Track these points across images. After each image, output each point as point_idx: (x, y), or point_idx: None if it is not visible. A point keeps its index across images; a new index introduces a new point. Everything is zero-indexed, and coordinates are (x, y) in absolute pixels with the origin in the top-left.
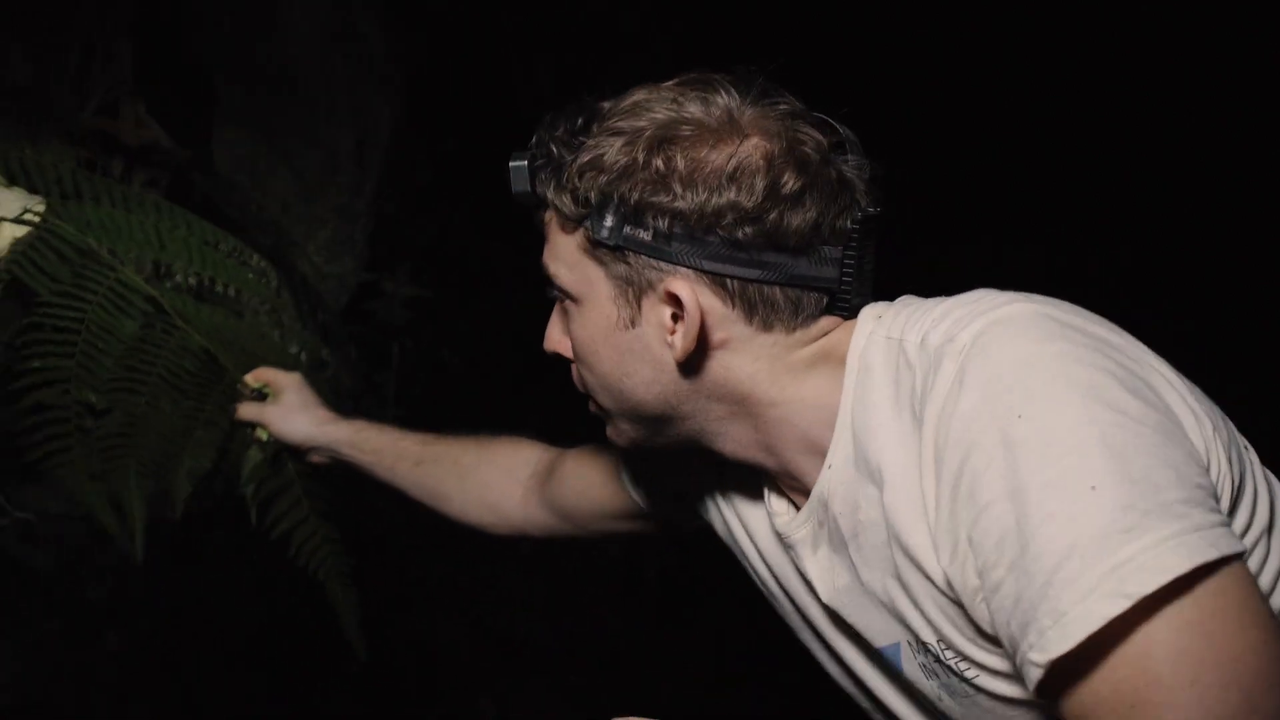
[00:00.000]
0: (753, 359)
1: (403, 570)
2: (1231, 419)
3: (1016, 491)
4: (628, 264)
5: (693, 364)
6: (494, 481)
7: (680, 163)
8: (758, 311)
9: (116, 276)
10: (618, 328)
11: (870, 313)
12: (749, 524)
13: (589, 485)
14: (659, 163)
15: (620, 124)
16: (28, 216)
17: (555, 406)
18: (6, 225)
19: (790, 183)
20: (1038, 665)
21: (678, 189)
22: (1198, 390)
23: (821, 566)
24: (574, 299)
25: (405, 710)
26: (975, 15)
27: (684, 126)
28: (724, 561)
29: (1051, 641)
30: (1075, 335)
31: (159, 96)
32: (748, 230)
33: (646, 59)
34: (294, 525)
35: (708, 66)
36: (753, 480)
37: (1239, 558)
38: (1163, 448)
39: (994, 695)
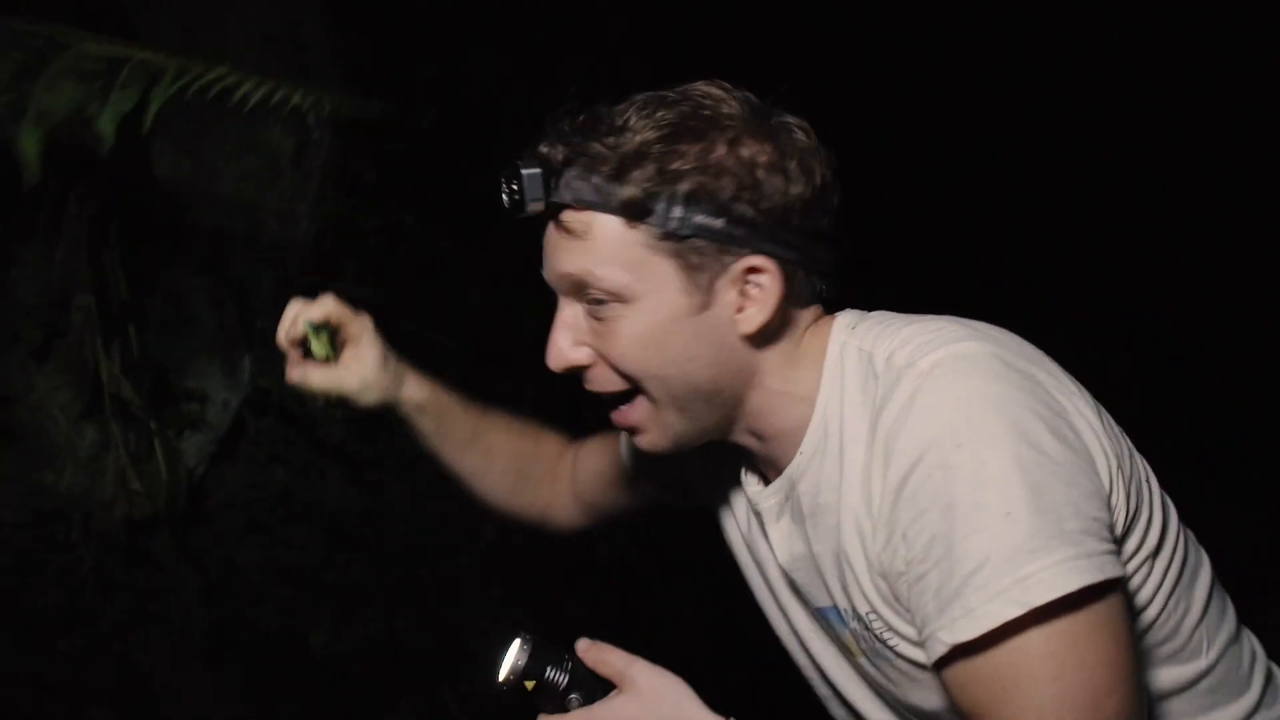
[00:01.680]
0: (783, 341)
1: (363, 566)
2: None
3: (949, 507)
4: (699, 252)
5: (756, 337)
6: (544, 479)
7: (758, 154)
8: (793, 293)
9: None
10: (688, 315)
11: (845, 320)
12: (730, 498)
13: (607, 480)
14: (742, 153)
15: (675, 117)
16: None
17: (515, 400)
18: None
19: (827, 176)
20: (944, 644)
21: (761, 177)
22: (1111, 426)
23: (782, 534)
24: (626, 298)
25: (367, 705)
26: (951, 14)
27: (739, 120)
28: (680, 550)
29: (960, 629)
30: (1017, 378)
31: None
32: (808, 218)
33: (595, 58)
34: None
35: (671, 64)
36: (731, 460)
37: (1119, 582)
38: (1071, 485)
39: (907, 659)
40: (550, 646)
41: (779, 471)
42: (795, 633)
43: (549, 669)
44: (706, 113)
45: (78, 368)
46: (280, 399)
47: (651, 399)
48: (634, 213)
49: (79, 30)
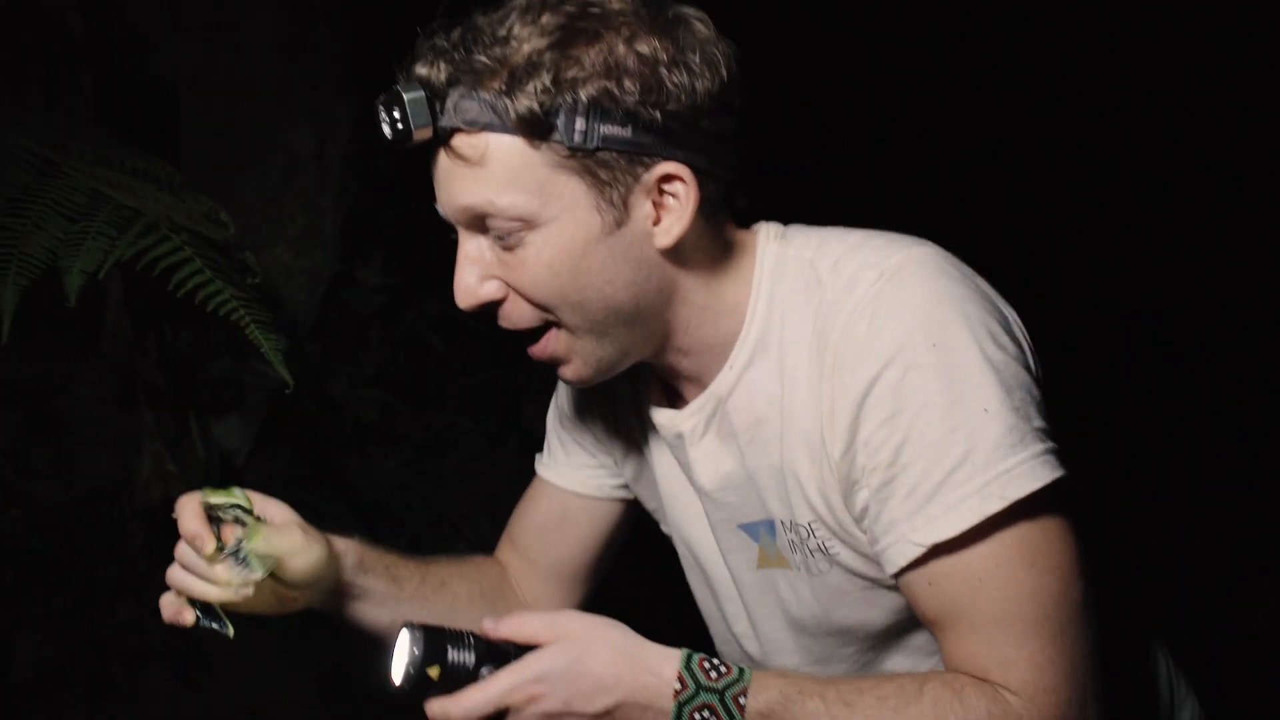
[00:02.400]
0: (703, 252)
1: (401, 541)
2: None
3: (925, 406)
4: (608, 166)
5: (674, 250)
6: (507, 587)
7: (659, 51)
8: (708, 200)
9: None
10: (603, 234)
11: (768, 230)
12: (637, 436)
13: (555, 522)
14: (641, 50)
15: (563, 20)
16: None
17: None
18: None
19: (733, 69)
20: (918, 545)
21: (665, 75)
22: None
23: (705, 453)
24: (534, 224)
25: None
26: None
27: (632, 15)
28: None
29: (940, 528)
30: (971, 283)
31: (125, 115)
32: (717, 118)
33: None
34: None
35: None
36: (630, 397)
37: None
38: (1031, 385)
39: (846, 568)
40: (445, 630)
41: (700, 387)
42: (697, 560)
43: (450, 650)
44: (595, 10)
45: (115, 358)
46: (315, 384)
47: (569, 328)
48: (533, 129)
49: (74, 143)
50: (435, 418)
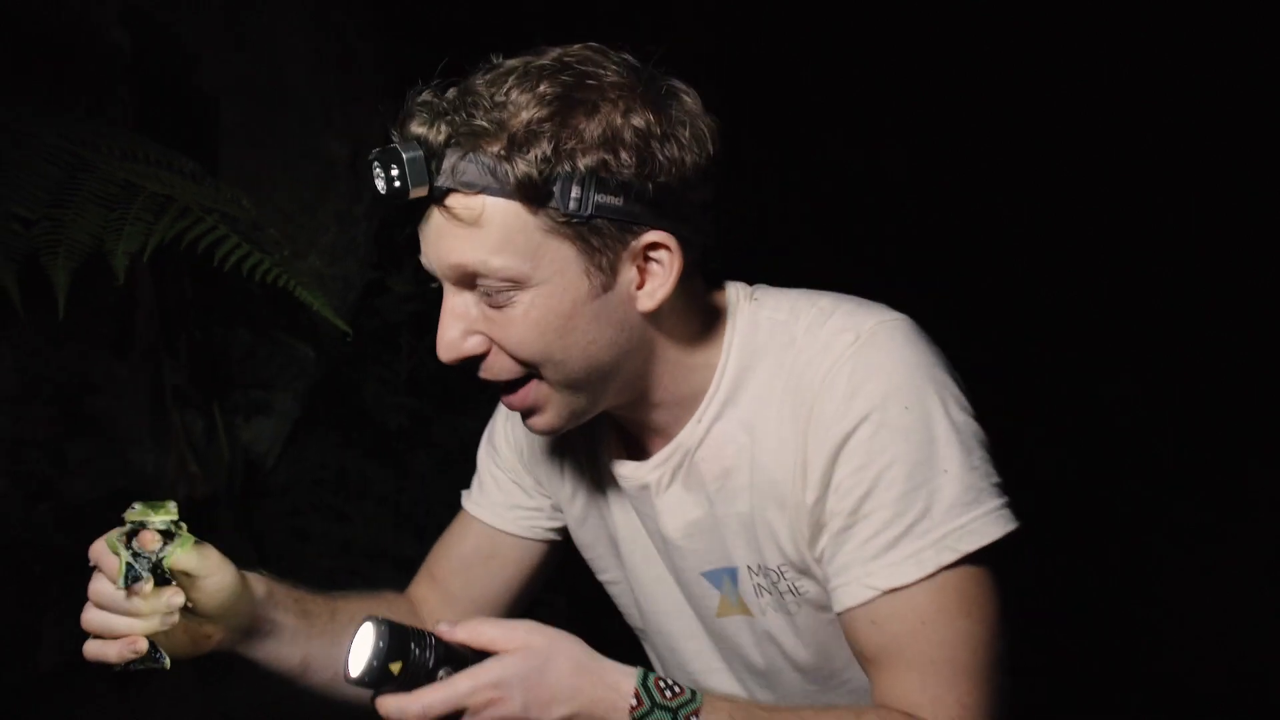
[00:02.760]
0: (680, 313)
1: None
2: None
3: (892, 463)
4: (601, 233)
5: (655, 313)
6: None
7: (653, 125)
8: (688, 265)
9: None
10: (590, 298)
11: (738, 290)
12: (588, 484)
13: (483, 556)
14: (635, 123)
15: (560, 90)
16: None
17: None
18: None
19: (717, 142)
20: (872, 588)
21: (657, 149)
22: None
23: (671, 503)
24: (524, 284)
25: None
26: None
27: (628, 88)
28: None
29: (899, 574)
30: (935, 350)
31: (167, 126)
32: (701, 188)
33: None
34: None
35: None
36: (585, 448)
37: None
38: (984, 446)
39: (815, 605)
40: (408, 627)
41: (665, 439)
42: (647, 608)
43: (413, 647)
44: (592, 82)
45: (148, 359)
46: (345, 385)
47: (549, 382)
48: (531, 195)
49: (103, 140)
50: (464, 424)
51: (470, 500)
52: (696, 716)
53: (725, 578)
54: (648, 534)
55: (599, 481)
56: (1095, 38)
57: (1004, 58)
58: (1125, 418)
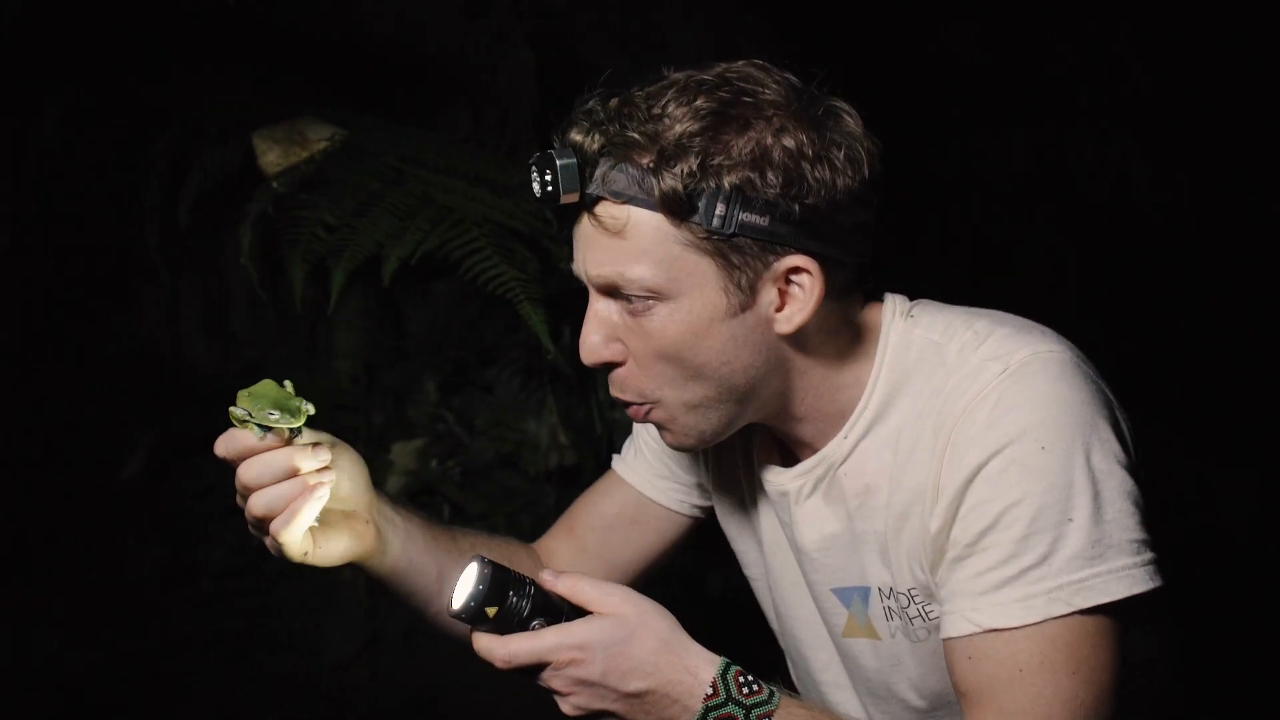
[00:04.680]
0: (826, 333)
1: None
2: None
3: (1017, 503)
4: (742, 252)
5: (795, 335)
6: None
7: (805, 145)
8: (836, 287)
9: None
10: (727, 315)
11: (895, 307)
12: (741, 482)
13: (624, 522)
14: (787, 143)
15: (716, 105)
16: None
17: None
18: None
19: (875, 166)
20: (975, 624)
21: (807, 170)
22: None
23: (809, 513)
24: (663, 296)
25: None
26: None
27: (784, 107)
28: None
29: (1002, 615)
30: (1094, 388)
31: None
32: (853, 212)
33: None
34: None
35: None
36: (740, 446)
37: (1142, 595)
38: (1135, 494)
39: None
40: (510, 573)
41: (811, 450)
42: (785, 614)
43: (511, 594)
44: (749, 99)
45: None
46: None
47: (668, 406)
48: (675, 209)
49: (431, 154)
50: None
51: (623, 463)
52: (768, 719)
53: (856, 597)
54: (787, 541)
55: (750, 480)
56: None
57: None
58: None
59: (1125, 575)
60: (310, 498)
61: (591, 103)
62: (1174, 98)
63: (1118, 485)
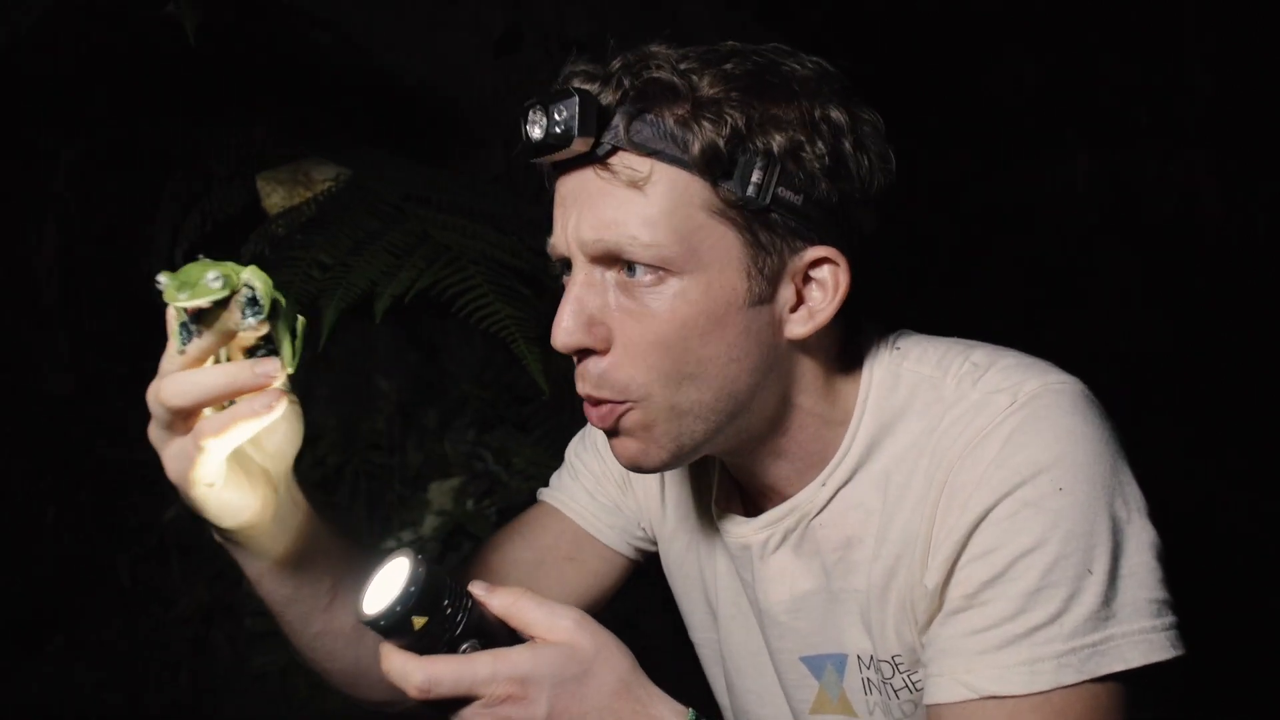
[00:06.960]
0: (824, 351)
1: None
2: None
3: (1029, 551)
4: (771, 230)
5: (803, 343)
6: None
7: (845, 124)
8: (851, 295)
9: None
10: (744, 303)
11: (881, 338)
12: (687, 533)
13: (558, 559)
14: (833, 116)
15: (751, 69)
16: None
17: None
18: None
19: (894, 174)
20: (971, 690)
21: (849, 153)
22: None
23: (777, 570)
24: (675, 270)
25: None
26: None
27: (818, 84)
28: None
29: (1005, 682)
30: (1107, 424)
31: None
32: (873, 219)
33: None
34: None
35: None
36: (694, 486)
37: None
38: (1157, 546)
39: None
40: (447, 581)
41: (780, 497)
42: (739, 685)
43: (446, 604)
44: (785, 69)
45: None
46: None
47: (655, 406)
48: (709, 168)
49: (437, 191)
50: None
51: (556, 493)
52: None
53: (829, 666)
54: (748, 601)
55: (704, 527)
56: None
57: None
58: None
59: (1143, 640)
60: (257, 407)
61: (586, 64)
62: (1240, 112)
63: (1140, 536)
